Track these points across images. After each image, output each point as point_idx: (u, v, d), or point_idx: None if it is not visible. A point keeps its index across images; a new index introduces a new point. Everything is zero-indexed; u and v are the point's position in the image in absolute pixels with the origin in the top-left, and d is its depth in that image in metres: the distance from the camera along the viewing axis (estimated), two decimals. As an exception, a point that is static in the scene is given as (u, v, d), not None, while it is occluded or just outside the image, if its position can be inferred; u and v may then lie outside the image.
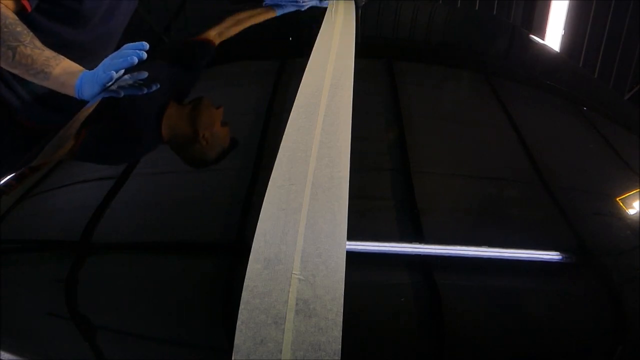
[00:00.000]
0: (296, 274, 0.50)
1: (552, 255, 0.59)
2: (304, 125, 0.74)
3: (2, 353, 0.47)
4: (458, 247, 0.58)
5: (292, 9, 1.36)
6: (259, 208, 0.58)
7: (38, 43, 0.95)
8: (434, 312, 0.52)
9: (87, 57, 1.04)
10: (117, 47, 0.94)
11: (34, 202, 0.70)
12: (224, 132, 0.82)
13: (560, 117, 0.98)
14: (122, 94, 0.88)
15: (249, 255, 0.51)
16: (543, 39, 2.33)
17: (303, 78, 0.89)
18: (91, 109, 0.87)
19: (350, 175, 0.64)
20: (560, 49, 3.07)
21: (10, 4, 0.96)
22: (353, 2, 1.39)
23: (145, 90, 0.88)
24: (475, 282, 0.56)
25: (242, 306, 0.47)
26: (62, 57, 0.95)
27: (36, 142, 1.05)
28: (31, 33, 0.95)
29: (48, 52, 0.94)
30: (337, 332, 0.45)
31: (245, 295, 0.48)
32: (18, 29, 0.93)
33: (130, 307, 0.52)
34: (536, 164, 0.76)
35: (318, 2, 1.41)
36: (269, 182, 0.62)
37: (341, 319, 0.46)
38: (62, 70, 0.93)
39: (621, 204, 0.68)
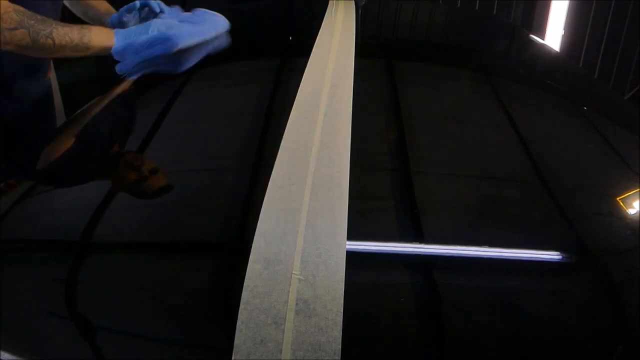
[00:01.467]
0: (296, 274, 0.50)
1: (552, 255, 0.59)
2: (304, 125, 0.74)
3: (2, 353, 0.47)
4: (458, 247, 0.58)
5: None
6: (259, 208, 0.58)
7: (60, 22, 0.96)
8: (434, 312, 0.52)
9: None
10: None
11: (34, 202, 0.70)
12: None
13: (560, 117, 0.98)
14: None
15: (249, 255, 0.51)
16: (543, 39, 2.33)
17: (303, 78, 0.89)
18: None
19: (350, 175, 0.64)
20: (560, 49, 3.07)
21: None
22: (353, 2, 1.39)
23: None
24: (475, 282, 0.56)
25: (242, 306, 0.47)
26: (88, 25, 0.98)
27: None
28: (48, 17, 0.95)
29: (75, 25, 0.96)
30: (337, 332, 0.45)
31: (245, 295, 0.48)
32: (39, 17, 0.92)
33: (130, 307, 0.52)
34: (536, 164, 0.76)
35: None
36: (269, 182, 0.62)
37: (341, 319, 0.46)
38: (98, 36, 0.97)
39: (621, 204, 0.68)
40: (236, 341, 0.44)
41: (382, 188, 0.69)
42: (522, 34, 1.76)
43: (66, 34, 0.93)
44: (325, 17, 1.25)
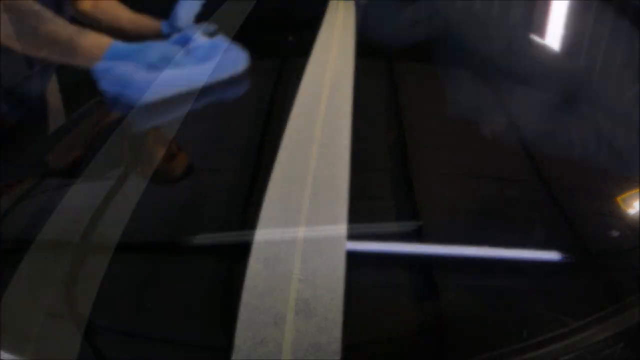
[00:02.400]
0: (296, 274, 0.50)
1: (552, 255, 0.59)
2: (304, 125, 0.74)
3: (2, 353, 0.47)
4: (458, 247, 0.58)
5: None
6: (259, 208, 0.58)
7: (59, 19, 0.88)
8: (434, 312, 0.52)
9: None
10: None
11: (34, 202, 0.70)
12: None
13: (561, 117, 0.98)
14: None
15: (249, 256, 0.51)
16: (543, 39, 2.32)
17: (303, 78, 0.89)
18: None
19: (350, 175, 0.64)
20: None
21: None
22: (353, 2, 1.39)
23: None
24: (475, 282, 0.56)
25: (242, 306, 0.47)
26: (87, 30, 0.89)
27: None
28: (49, 10, 0.87)
29: (71, 27, 0.88)
30: (337, 332, 0.45)
31: (245, 295, 0.48)
32: (36, 8, 0.85)
33: (131, 307, 0.52)
34: (536, 164, 0.76)
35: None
36: (269, 182, 0.62)
37: (341, 319, 0.46)
38: (89, 44, 0.87)
39: (621, 204, 0.68)
40: (236, 341, 0.44)
41: (382, 188, 0.69)
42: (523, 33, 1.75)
43: (55, 30, 0.85)
44: (325, 17, 1.25)
